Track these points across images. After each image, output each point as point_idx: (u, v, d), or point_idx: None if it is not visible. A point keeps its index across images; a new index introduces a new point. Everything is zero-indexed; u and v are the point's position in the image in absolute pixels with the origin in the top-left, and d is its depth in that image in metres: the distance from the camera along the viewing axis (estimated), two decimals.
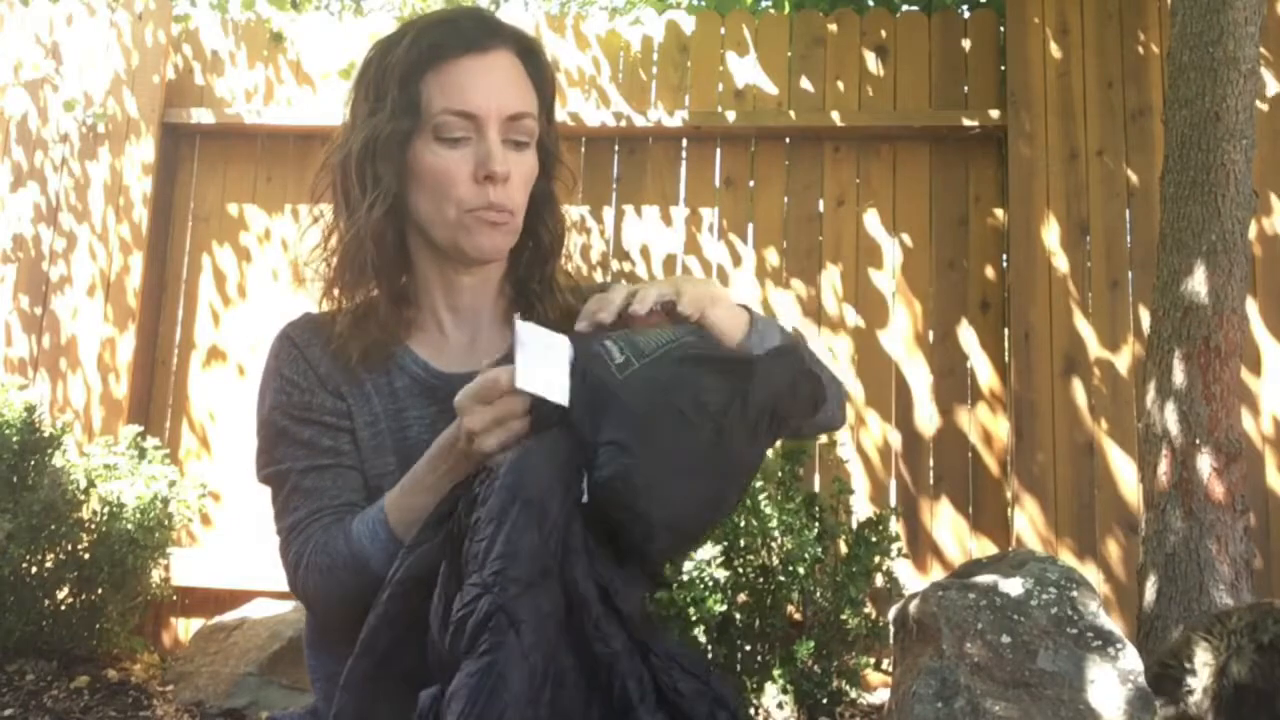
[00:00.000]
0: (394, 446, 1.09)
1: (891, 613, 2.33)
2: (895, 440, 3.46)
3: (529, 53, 1.12)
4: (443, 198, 1.07)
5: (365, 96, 1.09)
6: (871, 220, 3.60)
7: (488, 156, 1.06)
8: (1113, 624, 2.08)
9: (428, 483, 0.98)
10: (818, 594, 2.65)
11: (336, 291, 1.13)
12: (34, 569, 3.08)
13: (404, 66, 1.06)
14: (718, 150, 3.73)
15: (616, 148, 3.77)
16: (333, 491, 1.07)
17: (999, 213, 3.54)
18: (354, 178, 1.08)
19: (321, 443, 1.09)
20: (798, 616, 2.67)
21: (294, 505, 1.08)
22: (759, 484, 2.64)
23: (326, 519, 1.06)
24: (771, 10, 4.54)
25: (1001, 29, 3.64)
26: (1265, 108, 3.28)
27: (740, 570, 2.59)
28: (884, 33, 3.69)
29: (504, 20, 1.13)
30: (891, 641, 2.33)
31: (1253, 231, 2.66)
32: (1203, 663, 2.00)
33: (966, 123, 3.54)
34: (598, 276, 3.70)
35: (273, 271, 3.82)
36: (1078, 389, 3.32)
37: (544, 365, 0.86)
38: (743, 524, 2.55)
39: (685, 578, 2.49)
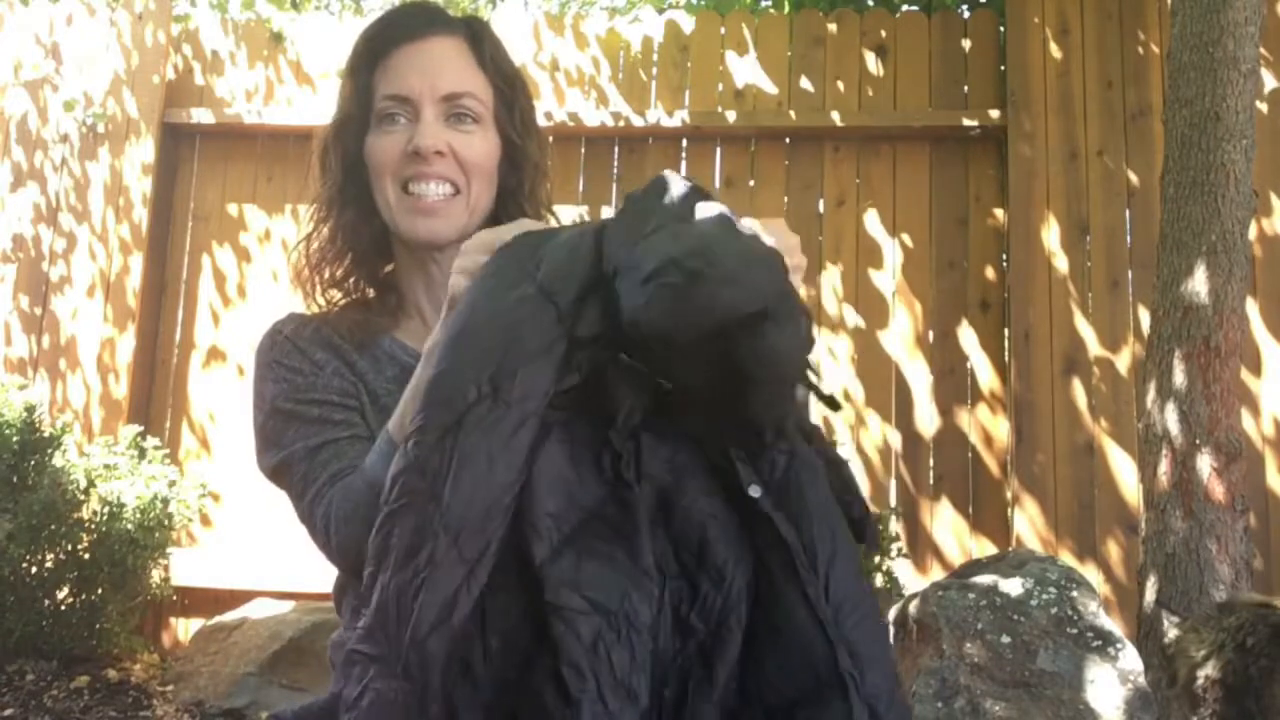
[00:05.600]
0: None
1: (891, 613, 2.33)
2: (895, 440, 3.46)
3: (477, 38, 1.14)
4: (382, 180, 1.12)
5: (339, 93, 1.18)
6: (871, 220, 3.60)
7: (415, 132, 1.09)
8: (1113, 624, 2.09)
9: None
10: None
11: (326, 282, 1.18)
12: (34, 569, 3.07)
13: (353, 62, 1.13)
14: (718, 150, 3.73)
15: (616, 148, 3.77)
16: (351, 455, 1.03)
17: (999, 213, 3.54)
18: (320, 170, 1.17)
19: (333, 417, 1.06)
20: None
21: (312, 478, 1.03)
22: None
23: (345, 478, 1.01)
24: (771, 10, 4.53)
25: (1001, 29, 3.64)
26: (1265, 107, 3.28)
27: None
28: (884, 33, 3.69)
29: (448, 10, 1.18)
30: (891, 641, 2.33)
31: (1253, 232, 2.66)
32: (1187, 655, 2.00)
33: (966, 123, 3.54)
34: None
35: (273, 272, 3.82)
36: (1078, 389, 3.32)
37: None
38: None
39: None
